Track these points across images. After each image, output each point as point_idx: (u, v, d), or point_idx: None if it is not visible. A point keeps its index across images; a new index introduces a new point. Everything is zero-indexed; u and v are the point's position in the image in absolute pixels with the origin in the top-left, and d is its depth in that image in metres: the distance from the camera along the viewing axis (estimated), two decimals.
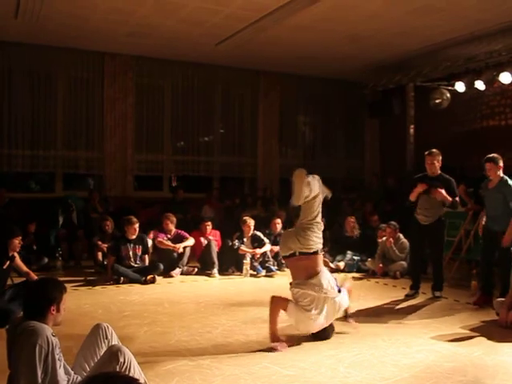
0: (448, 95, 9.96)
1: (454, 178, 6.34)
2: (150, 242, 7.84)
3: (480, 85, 9.34)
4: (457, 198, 6.19)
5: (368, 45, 9.33)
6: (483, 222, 6.25)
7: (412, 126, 10.92)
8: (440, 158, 6.23)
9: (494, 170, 5.70)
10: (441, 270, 6.39)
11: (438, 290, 6.28)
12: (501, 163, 5.71)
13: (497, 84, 9.29)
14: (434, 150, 6.27)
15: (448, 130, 10.75)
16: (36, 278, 5.19)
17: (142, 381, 1.73)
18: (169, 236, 7.92)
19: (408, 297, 6.32)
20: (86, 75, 10.19)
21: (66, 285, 3.08)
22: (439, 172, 6.24)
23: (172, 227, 7.97)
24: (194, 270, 7.91)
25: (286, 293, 4.53)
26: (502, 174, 5.72)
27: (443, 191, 6.03)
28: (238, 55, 10.09)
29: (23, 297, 3.41)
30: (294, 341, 4.40)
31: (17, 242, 5.42)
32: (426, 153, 6.34)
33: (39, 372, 2.61)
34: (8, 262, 5.33)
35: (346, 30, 8.59)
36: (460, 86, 9.67)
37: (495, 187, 5.73)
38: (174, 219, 8.03)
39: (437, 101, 10.04)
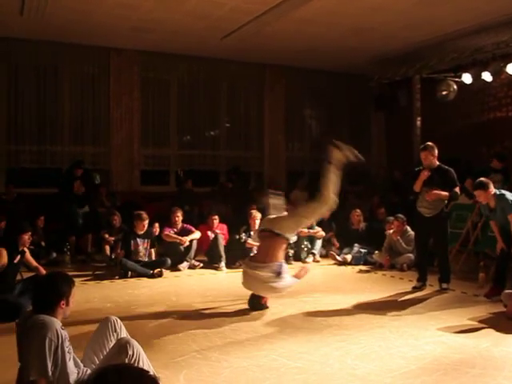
0: (455, 87, 9.86)
1: (461, 170, 6.28)
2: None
3: (487, 76, 9.22)
4: (456, 189, 6.13)
5: (373, 37, 9.28)
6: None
7: (418, 119, 10.81)
8: (435, 151, 6.14)
9: (483, 196, 5.68)
10: (447, 261, 6.36)
11: (445, 281, 6.24)
12: (491, 187, 5.65)
13: (504, 75, 9.22)
14: (429, 144, 6.20)
15: (455, 121, 10.69)
16: (45, 272, 5.24)
17: (151, 373, 1.74)
18: (175, 230, 7.95)
19: (415, 289, 6.30)
20: (91, 70, 10.25)
21: (75, 279, 3.10)
22: (437, 163, 6.17)
23: (180, 221, 8.01)
24: (199, 264, 7.93)
25: None
26: (493, 191, 5.67)
27: (436, 191, 6.00)
28: (243, 49, 10.07)
29: (33, 291, 3.45)
30: None
31: (26, 237, 5.47)
32: (421, 147, 6.29)
33: (49, 364, 2.63)
34: (18, 257, 5.39)
35: (351, 23, 8.55)
36: (467, 78, 9.56)
37: (496, 206, 5.70)
38: (182, 213, 8.07)
39: (443, 93, 9.95)
